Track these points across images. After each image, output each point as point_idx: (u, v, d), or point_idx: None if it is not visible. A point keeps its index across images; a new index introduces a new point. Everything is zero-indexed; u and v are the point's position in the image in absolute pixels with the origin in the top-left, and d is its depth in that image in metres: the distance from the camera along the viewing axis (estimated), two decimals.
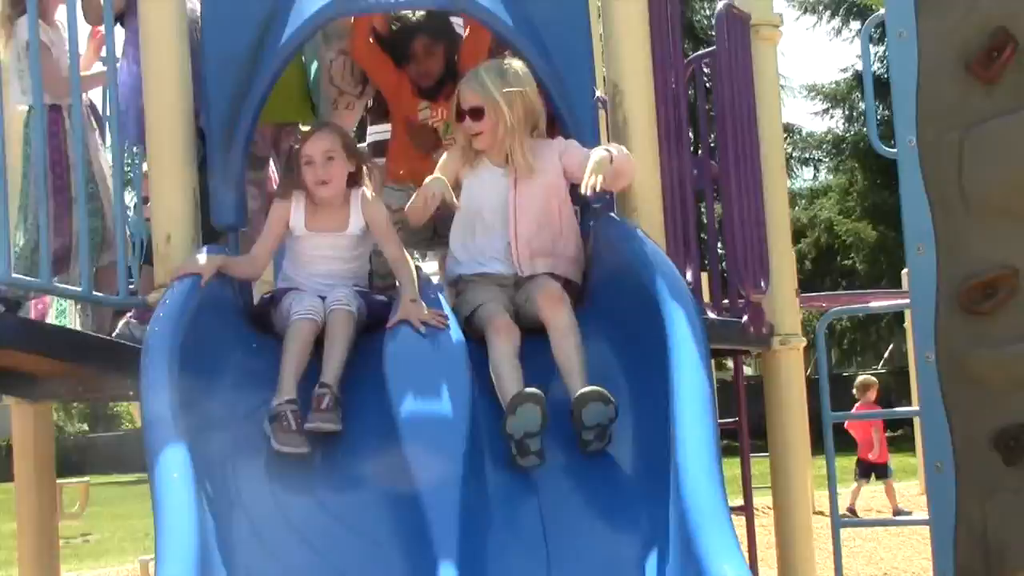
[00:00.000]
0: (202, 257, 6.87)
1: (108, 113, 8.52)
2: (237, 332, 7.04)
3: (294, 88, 7.96)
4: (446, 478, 5.94)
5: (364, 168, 7.43)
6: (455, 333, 6.72)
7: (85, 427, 67.38)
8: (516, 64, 7.25)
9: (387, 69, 8.25)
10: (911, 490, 19.70)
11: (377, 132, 9.13)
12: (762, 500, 12.27)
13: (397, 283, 7.18)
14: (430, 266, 8.93)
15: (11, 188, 7.53)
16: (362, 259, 7.53)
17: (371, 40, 8.20)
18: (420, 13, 8.07)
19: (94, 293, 7.73)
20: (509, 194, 7.29)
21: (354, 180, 7.29)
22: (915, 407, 8.39)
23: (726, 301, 8.89)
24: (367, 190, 7.33)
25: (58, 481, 10.34)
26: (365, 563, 5.97)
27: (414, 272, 7.11)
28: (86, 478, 24.68)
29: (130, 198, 8.87)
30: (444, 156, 7.50)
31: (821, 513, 9.58)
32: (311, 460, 6.42)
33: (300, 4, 7.31)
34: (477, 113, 7.13)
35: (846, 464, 13.56)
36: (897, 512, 16.76)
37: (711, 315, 8.09)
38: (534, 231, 7.30)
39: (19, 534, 9.94)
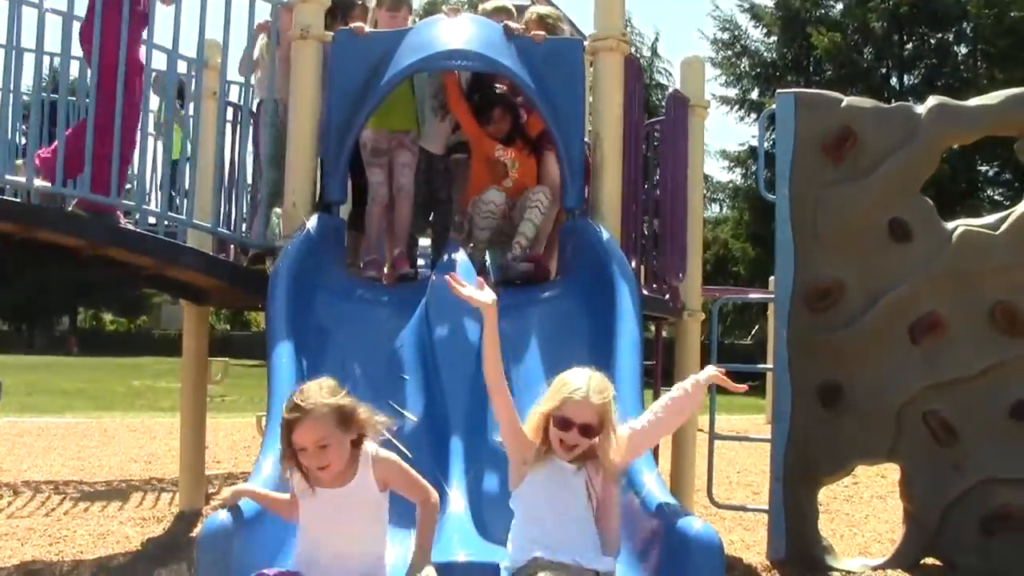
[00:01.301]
0: (242, 491, 4.76)
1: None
2: (331, 268, 7.02)
3: (406, 102, 7.83)
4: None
5: (366, 425, 4.57)
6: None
7: (227, 326, 67.31)
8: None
9: (472, 122, 7.76)
10: (760, 421, 19.72)
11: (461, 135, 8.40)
12: None
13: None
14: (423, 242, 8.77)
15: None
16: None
17: (461, 96, 7.84)
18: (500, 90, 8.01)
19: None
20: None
21: (358, 443, 4.58)
22: (770, 365, 8.37)
23: (655, 285, 8.84)
24: (375, 446, 4.64)
25: (209, 359, 10.32)
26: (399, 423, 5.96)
27: (431, 539, 4.63)
28: (227, 359, 24.72)
29: None
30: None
31: (702, 430, 9.51)
32: (371, 353, 6.45)
33: (398, 58, 7.29)
34: (589, 431, 4.57)
35: (725, 400, 13.63)
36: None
37: (646, 292, 8.04)
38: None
39: (182, 392, 10.00)
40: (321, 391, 4.48)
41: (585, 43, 7.82)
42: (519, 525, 4.70)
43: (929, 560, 7.50)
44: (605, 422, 4.59)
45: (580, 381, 4.58)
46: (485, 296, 4.79)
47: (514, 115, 7.84)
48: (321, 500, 4.52)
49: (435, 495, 4.62)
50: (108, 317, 73.84)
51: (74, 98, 8.19)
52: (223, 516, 4.49)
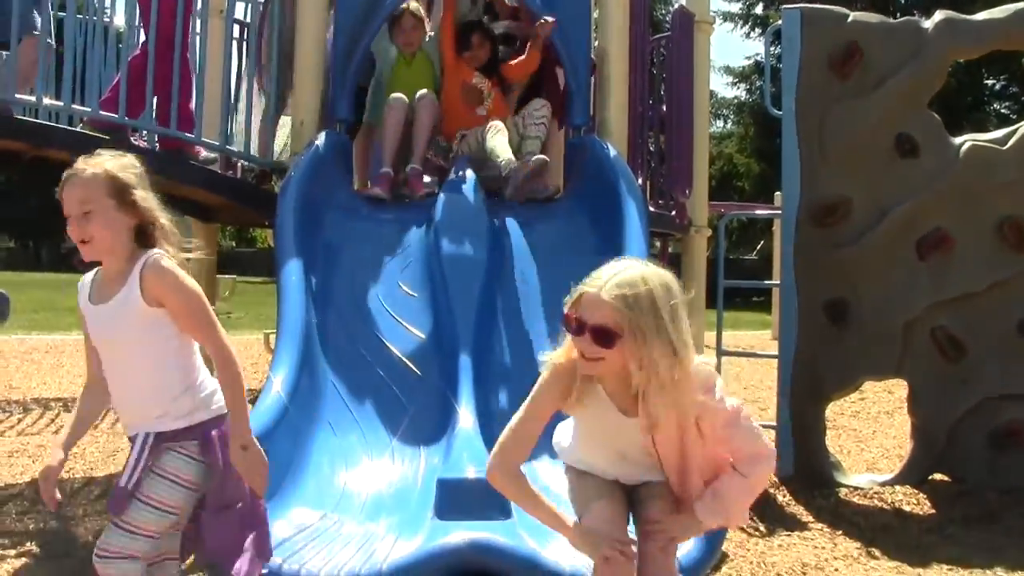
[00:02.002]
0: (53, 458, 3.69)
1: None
2: (339, 186, 7.02)
3: (426, 74, 7.76)
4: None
5: (159, 222, 3.80)
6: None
7: (233, 243, 67.30)
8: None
9: (451, 48, 7.64)
10: (767, 336, 19.70)
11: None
12: None
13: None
14: None
15: None
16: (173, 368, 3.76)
17: (450, 25, 7.67)
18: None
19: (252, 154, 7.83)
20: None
21: (143, 236, 3.77)
22: (776, 280, 8.38)
23: (662, 201, 8.84)
24: (163, 253, 3.73)
25: (216, 276, 10.31)
26: (407, 341, 5.98)
27: (245, 400, 3.73)
28: (233, 275, 24.75)
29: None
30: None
31: (709, 347, 9.53)
32: (380, 271, 6.46)
33: None
34: (606, 336, 3.37)
35: (731, 316, 13.64)
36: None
37: (652, 208, 8.04)
38: None
39: None
40: (110, 158, 3.80)
41: None
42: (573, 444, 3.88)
43: (937, 476, 7.53)
44: (640, 332, 3.34)
45: (607, 272, 3.44)
46: None
47: (493, 48, 7.78)
48: (96, 320, 3.80)
49: (229, 350, 3.72)
50: None
51: (82, 15, 8.14)
52: None
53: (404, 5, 7.62)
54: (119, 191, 3.71)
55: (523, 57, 7.62)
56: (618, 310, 3.35)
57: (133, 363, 3.74)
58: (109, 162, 3.75)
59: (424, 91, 7.48)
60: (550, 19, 7.37)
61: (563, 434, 3.90)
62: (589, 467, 3.81)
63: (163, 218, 3.83)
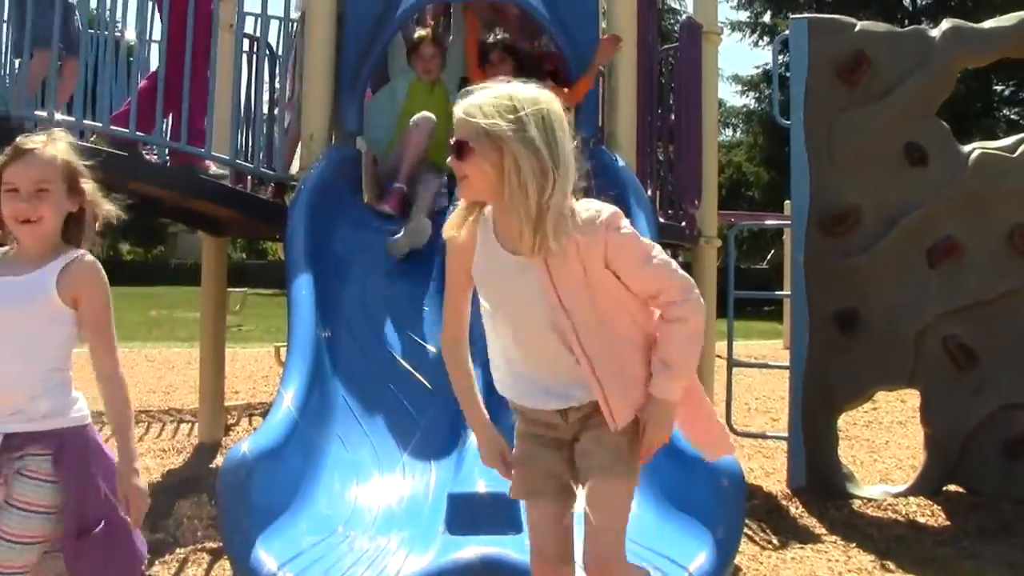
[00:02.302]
0: None
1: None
2: (349, 199, 7.03)
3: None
4: None
5: (91, 213, 3.70)
6: None
7: (243, 255, 67.35)
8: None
9: (475, 66, 7.43)
10: (778, 346, 19.66)
11: None
12: None
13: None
14: None
15: None
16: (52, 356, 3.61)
17: (475, 43, 7.56)
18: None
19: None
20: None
21: (75, 229, 3.68)
22: (787, 291, 8.37)
23: (671, 211, 8.83)
24: (85, 253, 3.64)
25: (227, 289, 10.34)
26: (418, 355, 5.97)
27: (133, 424, 3.71)
28: (245, 288, 24.80)
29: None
30: None
31: (720, 356, 9.51)
32: (390, 284, 6.46)
33: None
34: (461, 150, 3.31)
35: (743, 325, 13.57)
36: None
37: (662, 219, 8.03)
38: None
39: (202, 321, 10.02)
40: (67, 140, 3.70)
41: None
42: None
43: (952, 487, 7.50)
44: (492, 139, 3.24)
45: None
46: None
47: (516, 61, 7.75)
48: None
49: (122, 371, 3.68)
50: (125, 247, 73.83)
51: (93, 30, 8.16)
52: (245, 448, 4.52)
53: (424, 32, 7.62)
54: (71, 176, 3.62)
55: (584, 78, 7.54)
56: (468, 121, 3.29)
57: (4, 345, 3.52)
58: (66, 144, 3.65)
59: (427, 114, 7.40)
60: (619, 38, 7.46)
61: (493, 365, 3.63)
62: (513, 388, 3.57)
63: (102, 210, 3.73)
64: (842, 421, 8.03)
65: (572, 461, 3.55)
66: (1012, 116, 39.50)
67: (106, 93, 7.24)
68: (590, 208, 3.37)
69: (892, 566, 5.97)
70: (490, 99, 3.29)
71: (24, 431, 3.49)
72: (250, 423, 10.78)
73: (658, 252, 3.40)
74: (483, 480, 4.73)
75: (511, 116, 3.24)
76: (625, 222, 3.42)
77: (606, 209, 3.39)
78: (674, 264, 3.44)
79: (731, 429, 8.53)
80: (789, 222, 8.05)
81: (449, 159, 3.35)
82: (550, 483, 3.55)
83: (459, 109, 3.34)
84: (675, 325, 3.43)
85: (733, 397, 8.72)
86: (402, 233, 6.69)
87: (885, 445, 9.95)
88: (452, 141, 3.31)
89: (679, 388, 3.49)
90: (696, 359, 3.55)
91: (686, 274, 3.46)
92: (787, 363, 7.85)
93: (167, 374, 15.30)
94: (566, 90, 7.32)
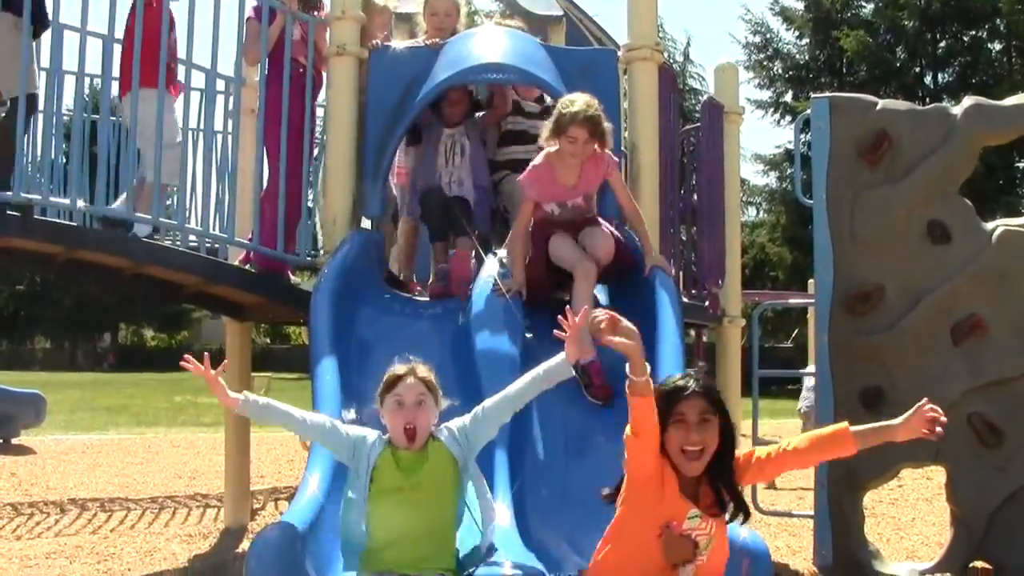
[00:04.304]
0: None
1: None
2: (371, 284, 7.06)
3: None
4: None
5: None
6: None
7: (267, 340, 67.52)
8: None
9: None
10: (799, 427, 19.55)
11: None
12: None
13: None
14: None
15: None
16: None
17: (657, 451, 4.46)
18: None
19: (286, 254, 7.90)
20: None
21: None
22: (812, 369, 8.36)
23: (695, 291, 8.85)
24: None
25: (252, 373, 10.37)
26: None
27: None
28: (269, 373, 24.84)
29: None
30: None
31: (745, 435, 9.49)
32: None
33: (434, 72, 7.36)
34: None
35: (767, 404, 13.50)
36: None
37: (686, 299, 8.05)
38: None
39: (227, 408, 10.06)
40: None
41: (619, 53, 7.85)
42: None
43: (979, 564, 7.45)
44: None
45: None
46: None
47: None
48: None
49: None
50: (149, 333, 74.12)
51: (114, 118, 8.27)
52: (271, 532, 4.53)
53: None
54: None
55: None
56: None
57: None
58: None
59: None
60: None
61: None
62: None
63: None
64: (868, 498, 7.99)
65: None
66: None
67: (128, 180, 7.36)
68: None
69: None
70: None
71: None
72: (276, 507, 10.78)
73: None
74: (509, 562, 4.73)
75: None
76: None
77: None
78: None
79: (757, 508, 8.50)
80: (813, 301, 8.05)
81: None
82: None
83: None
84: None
85: None
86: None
87: (911, 522, 9.90)
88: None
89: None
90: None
91: None
92: None
93: (192, 459, 15.32)
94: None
